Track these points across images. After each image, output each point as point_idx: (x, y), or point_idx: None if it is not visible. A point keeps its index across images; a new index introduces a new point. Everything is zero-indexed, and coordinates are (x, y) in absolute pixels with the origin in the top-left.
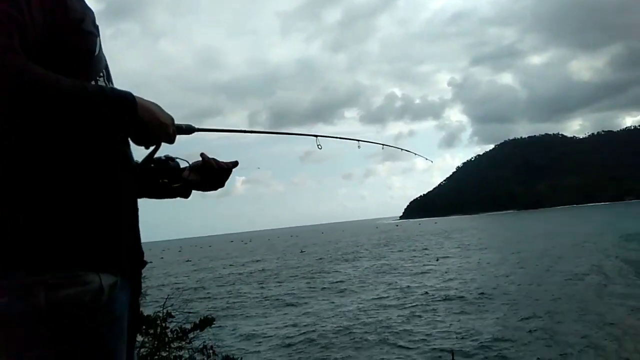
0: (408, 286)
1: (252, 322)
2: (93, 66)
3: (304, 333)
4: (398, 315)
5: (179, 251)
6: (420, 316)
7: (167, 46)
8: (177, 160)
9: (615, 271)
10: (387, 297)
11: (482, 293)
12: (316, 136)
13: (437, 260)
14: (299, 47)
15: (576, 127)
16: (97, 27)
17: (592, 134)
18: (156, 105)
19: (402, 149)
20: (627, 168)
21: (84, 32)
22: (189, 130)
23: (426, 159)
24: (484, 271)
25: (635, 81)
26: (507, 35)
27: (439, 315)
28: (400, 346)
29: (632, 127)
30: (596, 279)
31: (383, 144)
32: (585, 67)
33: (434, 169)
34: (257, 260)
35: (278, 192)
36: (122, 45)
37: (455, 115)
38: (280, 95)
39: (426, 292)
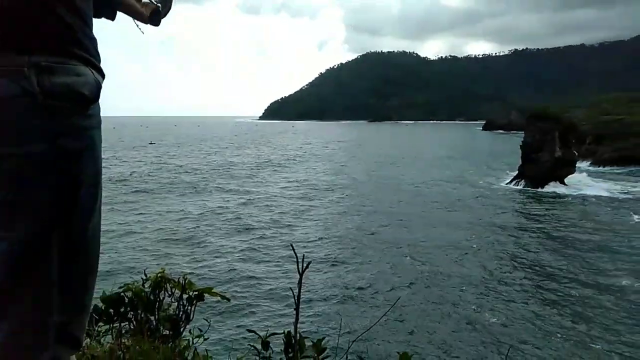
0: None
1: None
2: None
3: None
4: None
5: None
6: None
7: None
8: None
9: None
10: (233, 196)
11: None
12: None
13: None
14: None
15: (435, 48)
16: None
17: (441, 57)
18: None
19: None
20: (462, 92)
21: None
22: None
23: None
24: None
25: (492, 13)
26: None
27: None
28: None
29: (473, 56)
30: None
31: None
32: None
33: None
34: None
35: (129, 74)
36: None
37: (332, 20)
38: None
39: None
